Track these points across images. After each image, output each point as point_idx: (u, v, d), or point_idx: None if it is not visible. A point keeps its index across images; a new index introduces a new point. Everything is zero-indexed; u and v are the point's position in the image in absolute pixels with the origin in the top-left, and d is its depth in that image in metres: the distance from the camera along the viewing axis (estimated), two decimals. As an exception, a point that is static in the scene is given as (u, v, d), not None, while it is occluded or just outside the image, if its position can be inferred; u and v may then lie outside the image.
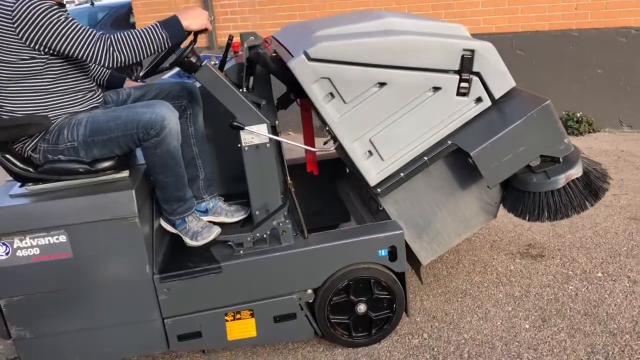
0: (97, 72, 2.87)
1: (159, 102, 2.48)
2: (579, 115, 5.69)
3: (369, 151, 2.57)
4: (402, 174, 2.60)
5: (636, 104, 5.57)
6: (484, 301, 3.06)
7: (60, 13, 2.28)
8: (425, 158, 2.57)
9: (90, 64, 2.56)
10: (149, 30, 2.32)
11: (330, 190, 3.58)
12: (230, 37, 2.74)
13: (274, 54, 2.67)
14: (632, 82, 5.54)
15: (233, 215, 2.89)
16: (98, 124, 2.40)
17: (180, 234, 2.66)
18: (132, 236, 2.40)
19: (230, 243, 2.63)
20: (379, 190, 2.62)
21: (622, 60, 5.50)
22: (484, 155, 2.40)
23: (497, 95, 2.55)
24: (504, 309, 2.97)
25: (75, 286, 2.44)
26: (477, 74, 2.49)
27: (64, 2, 2.55)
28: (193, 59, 2.44)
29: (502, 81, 2.53)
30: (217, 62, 2.78)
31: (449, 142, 2.55)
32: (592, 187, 2.60)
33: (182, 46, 2.51)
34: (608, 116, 5.68)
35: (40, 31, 2.24)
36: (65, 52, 2.29)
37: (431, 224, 2.77)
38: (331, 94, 2.45)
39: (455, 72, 2.47)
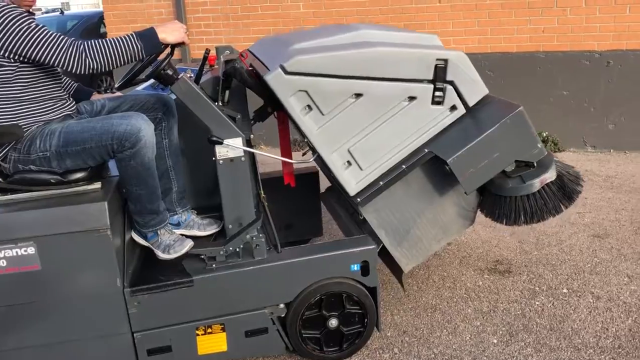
0: (65, 84, 2.84)
1: (135, 113, 2.46)
2: (545, 134, 5.84)
3: (348, 161, 2.60)
4: (381, 183, 2.62)
5: (599, 125, 5.76)
6: (453, 316, 3.10)
7: (31, 20, 2.27)
8: (404, 166, 2.60)
9: (61, 71, 2.54)
10: (124, 40, 2.31)
11: (303, 204, 3.59)
12: (207, 51, 2.75)
13: (251, 68, 2.69)
14: (595, 104, 5.73)
15: (206, 228, 2.88)
16: (72, 135, 2.38)
17: (152, 247, 2.63)
18: (103, 249, 2.37)
19: (202, 256, 2.61)
20: (358, 199, 2.64)
21: (586, 82, 5.69)
22: (460, 162, 2.44)
23: (471, 103, 2.59)
24: (472, 324, 3.02)
25: (43, 299, 2.39)
26: (451, 83, 2.53)
27: (33, 11, 2.53)
28: (169, 72, 2.44)
29: (475, 89, 2.58)
30: (193, 75, 2.78)
31: (426, 150, 2.59)
32: (565, 190, 2.65)
33: (159, 58, 2.51)
34: (573, 136, 5.85)
35: (11, 38, 2.21)
36: (37, 59, 2.26)
37: (411, 231, 2.81)
38: (308, 106, 2.47)
39: (430, 81, 2.52)
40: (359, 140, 2.56)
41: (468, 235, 4.03)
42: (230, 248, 2.59)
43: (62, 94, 2.53)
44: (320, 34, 2.65)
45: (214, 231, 2.88)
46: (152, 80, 2.99)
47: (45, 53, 2.25)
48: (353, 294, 2.67)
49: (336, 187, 3.10)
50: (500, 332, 2.93)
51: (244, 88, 2.82)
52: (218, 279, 2.54)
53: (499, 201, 2.68)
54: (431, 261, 3.68)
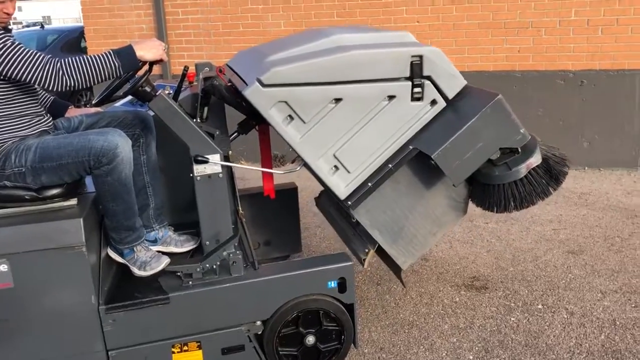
0: (41, 98, 2.83)
1: (112, 129, 2.46)
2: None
3: (335, 166, 2.60)
4: (369, 184, 2.62)
5: (573, 142, 5.87)
6: (430, 332, 3.12)
7: (7, 37, 2.27)
8: (390, 165, 2.61)
9: (38, 88, 2.53)
10: (102, 58, 2.32)
11: (282, 220, 3.60)
12: (186, 68, 2.76)
13: (229, 84, 2.71)
14: (569, 122, 5.85)
15: (182, 245, 2.87)
16: (48, 150, 2.37)
17: (128, 264, 2.62)
18: (79, 266, 2.35)
19: (179, 273, 2.60)
20: (349, 202, 2.64)
21: (560, 101, 5.81)
22: (445, 155, 2.44)
23: (450, 96, 2.59)
24: (449, 340, 3.04)
25: (15, 317, 2.36)
26: (429, 78, 2.53)
27: (10, 27, 2.52)
28: (147, 89, 2.45)
29: (453, 82, 2.59)
30: (171, 92, 2.78)
31: (411, 147, 2.59)
32: (552, 172, 2.65)
33: (137, 75, 2.52)
34: (548, 154, 5.94)
35: None
36: (13, 76, 2.26)
37: (405, 228, 2.80)
38: (290, 116, 2.47)
39: (407, 78, 2.52)
40: (343, 144, 2.56)
41: (445, 252, 4.06)
42: (207, 265, 2.59)
43: (39, 109, 2.53)
44: (294, 43, 2.66)
45: (191, 248, 2.87)
46: (130, 97, 3.00)
47: (23, 71, 2.25)
48: (330, 311, 2.68)
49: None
50: (477, 349, 2.96)
51: (223, 104, 2.83)
52: (194, 296, 2.53)
53: (488, 190, 2.68)
54: (409, 277, 3.70)
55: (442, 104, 2.60)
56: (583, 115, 5.80)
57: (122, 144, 2.39)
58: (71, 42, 10.31)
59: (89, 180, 2.61)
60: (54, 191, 2.44)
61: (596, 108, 5.74)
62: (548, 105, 5.86)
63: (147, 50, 2.39)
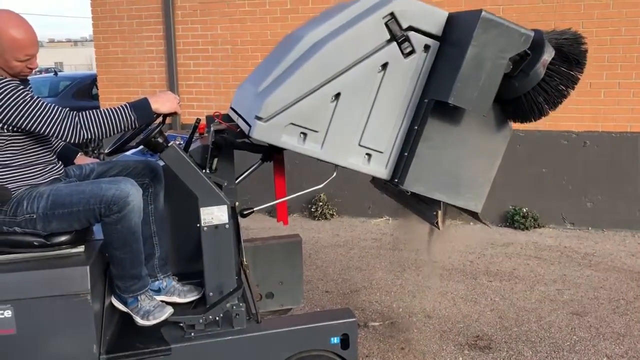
0: (54, 146, 2.89)
1: (124, 178, 2.51)
2: (525, 210, 5.95)
3: (366, 154, 2.55)
4: (405, 154, 2.55)
5: (577, 202, 5.89)
6: (432, 393, 3.06)
7: (26, 93, 2.34)
8: (416, 127, 2.53)
9: (56, 140, 2.59)
10: (118, 111, 2.39)
11: (285, 272, 3.59)
12: (198, 120, 2.84)
13: (238, 129, 2.74)
14: (573, 182, 5.89)
15: (186, 295, 2.86)
16: (60, 197, 2.41)
17: (131, 313, 2.61)
18: (82, 314, 2.35)
19: (181, 324, 2.59)
20: (396, 180, 2.58)
21: (564, 161, 5.87)
22: (460, 94, 2.36)
23: (438, 32, 2.50)
24: (452, 402, 2.98)
25: (15, 364, 2.34)
26: (409, 28, 2.46)
27: (28, 79, 2.60)
28: (160, 139, 2.50)
29: (434, 18, 2.50)
30: (182, 143, 2.85)
31: (426, 101, 2.51)
32: (570, 58, 2.55)
33: (150, 126, 2.58)
34: (552, 213, 5.96)
35: (6, 112, 2.29)
36: (32, 130, 2.34)
37: (461, 176, 2.69)
38: (302, 133, 2.44)
39: (389, 40, 2.45)
40: (363, 131, 2.50)
41: (449, 309, 4.03)
42: (210, 316, 2.58)
43: (52, 158, 2.59)
44: (274, 61, 2.63)
45: (194, 298, 2.86)
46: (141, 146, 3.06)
47: (42, 125, 2.32)
48: (332, 367, 2.65)
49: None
50: (480, 411, 2.90)
51: (232, 156, 2.88)
52: (196, 348, 2.51)
53: (517, 104, 2.57)
54: (412, 335, 3.66)
55: (435, 44, 2.50)
56: (586, 175, 5.85)
57: (133, 193, 2.43)
58: (83, 89, 10.54)
59: (96, 228, 2.63)
60: (62, 238, 2.46)
61: (599, 169, 5.80)
62: (551, 164, 5.92)
63: (162, 103, 2.46)
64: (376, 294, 4.33)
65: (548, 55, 2.45)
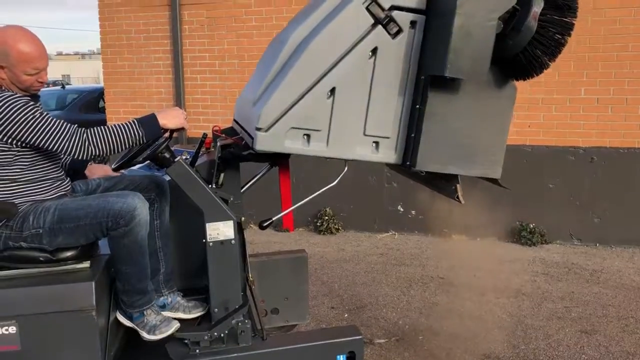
0: (62, 161, 2.89)
1: (131, 192, 2.51)
2: (532, 226, 5.92)
3: (373, 142, 2.51)
4: (412, 135, 2.51)
5: (584, 218, 5.85)
6: (439, 412, 3.02)
7: (35, 109, 2.35)
8: (418, 106, 2.49)
9: (64, 157, 2.59)
10: (126, 127, 2.39)
11: (291, 288, 3.56)
12: (204, 135, 2.84)
13: (243, 142, 2.74)
14: (580, 198, 5.85)
15: (191, 311, 2.84)
16: (67, 212, 2.41)
17: (137, 328, 2.58)
18: (87, 329, 2.33)
19: (186, 341, 2.56)
20: (408, 163, 2.54)
21: (571, 176, 5.84)
22: (455, 65, 2.32)
23: (422, 6, 2.46)
24: (459, 421, 2.94)
25: (19, 381, 2.32)
26: (392, 7, 2.42)
27: (38, 94, 2.61)
28: (167, 155, 2.50)
29: None
30: (188, 157, 2.84)
31: (422, 78, 2.47)
32: (560, 5, 2.49)
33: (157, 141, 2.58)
34: (559, 229, 5.92)
35: (15, 127, 2.29)
36: (40, 146, 2.34)
37: (473, 146, 2.63)
38: (305, 135, 2.42)
39: (374, 24, 2.42)
40: (365, 120, 2.47)
41: (456, 327, 3.99)
42: (215, 333, 2.55)
43: (60, 174, 2.58)
44: (264, 69, 2.61)
45: (199, 314, 2.83)
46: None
47: (50, 141, 2.33)
48: (338, 386, 2.62)
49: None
50: None
51: (238, 171, 2.87)
52: (201, 365, 2.49)
53: (517, 61, 2.52)
54: (419, 353, 3.62)
55: (421, 19, 2.46)
56: (593, 191, 5.81)
57: (140, 206, 2.43)
58: (90, 102, 10.62)
59: (102, 243, 2.62)
60: (68, 253, 2.45)
61: (607, 184, 5.76)
62: (558, 180, 5.89)
63: (170, 119, 2.46)
64: (382, 310, 4.30)
65: (537, 6, 2.40)
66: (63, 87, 12.08)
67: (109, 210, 2.39)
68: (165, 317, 2.63)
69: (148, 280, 2.58)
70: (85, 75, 49.33)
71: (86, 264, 2.50)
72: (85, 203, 2.44)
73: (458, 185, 2.68)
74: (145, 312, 2.58)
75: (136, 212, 2.41)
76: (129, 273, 2.50)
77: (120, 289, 2.54)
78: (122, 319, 2.61)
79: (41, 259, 2.42)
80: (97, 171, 2.97)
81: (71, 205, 2.44)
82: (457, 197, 2.70)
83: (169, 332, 2.57)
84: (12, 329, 2.27)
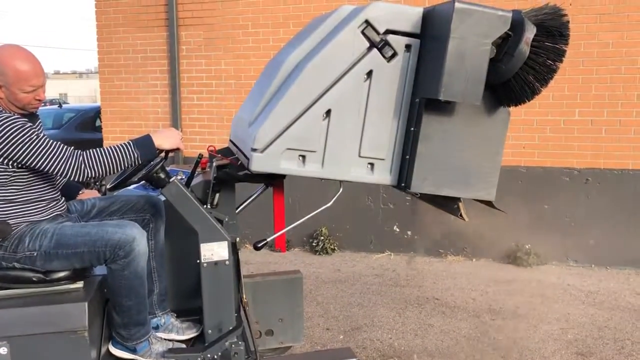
0: (57, 182, 2.89)
1: (130, 223, 2.51)
2: (527, 247, 5.91)
3: (368, 164, 2.53)
4: (407, 157, 2.52)
5: (580, 239, 5.85)
6: None
7: (32, 131, 2.35)
8: (412, 128, 2.50)
9: (59, 179, 2.59)
10: (121, 149, 2.40)
11: (285, 309, 3.54)
12: (200, 155, 2.84)
13: (239, 163, 2.74)
14: (575, 219, 5.86)
15: (184, 332, 2.82)
16: (65, 237, 2.40)
17: (143, 359, 2.55)
18: (79, 351, 2.31)
19: (179, 363, 2.54)
20: (403, 184, 2.54)
21: (566, 198, 5.85)
22: (450, 88, 2.32)
23: (417, 30, 2.48)
24: None
25: (9, 403, 2.29)
26: (387, 32, 2.43)
27: (37, 112, 2.61)
28: (162, 175, 2.51)
29: (409, 17, 2.46)
30: (184, 177, 2.85)
31: (417, 100, 2.48)
32: (553, 32, 2.49)
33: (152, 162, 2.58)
34: (554, 250, 5.92)
35: (12, 148, 2.29)
36: (36, 167, 2.34)
37: (467, 168, 2.63)
38: (300, 156, 2.43)
39: (369, 48, 2.43)
40: (360, 141, 2.48)
41: (451, 348, 3.96)
42: (209, 355, 2.53)
43: (55, 195, 2.58)
44: (261, 90, 2.63)
45: (192, 335, 2.82)
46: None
47: (45, 163, 2.33)
48: (332, 409, 2.59)
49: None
50: None
51: (234, 191, 2.86)
52: (193, 388, 2.46)
53: (509, 86, 2.53)
54: (413, 374, 3.59)
55: (416, 43, 2.47)
56: (588, 212, 5.82)
57: (138, 237, 2.43)
58: (87, 121, 10.63)
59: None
60: (62, 274, 2.43)
61: (602, 206, 5.77)
62: (553, 201, 5.90)
63: (165, 139, 2.47)
64: (378, 332, 4.27)
65: (530, 32, 2.41)
66: (60, 105, 12.09)
67: (107, 240, 2.39)
68: (169, 342, 2.62)
69: (146, 310, 2.57)
70: (83, 94, 49.47)
71: (79, 284, 2.49)
72: (83, 230, 2.44)
73: (460, 203, 2.69)
74: (150, 341, 2.56)
75: (135, 244, 2.41)
76: (130, 306, 2.48)
77: (118, 323, 2.51)
78: (118, 353, 2.56)
79: (34, 279, 2.41)
80: (88, 195, 2.97)
81: (69, 231, 2.43)
82: (460, 215, 2.71)
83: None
84: (3, 350, 2.25)
